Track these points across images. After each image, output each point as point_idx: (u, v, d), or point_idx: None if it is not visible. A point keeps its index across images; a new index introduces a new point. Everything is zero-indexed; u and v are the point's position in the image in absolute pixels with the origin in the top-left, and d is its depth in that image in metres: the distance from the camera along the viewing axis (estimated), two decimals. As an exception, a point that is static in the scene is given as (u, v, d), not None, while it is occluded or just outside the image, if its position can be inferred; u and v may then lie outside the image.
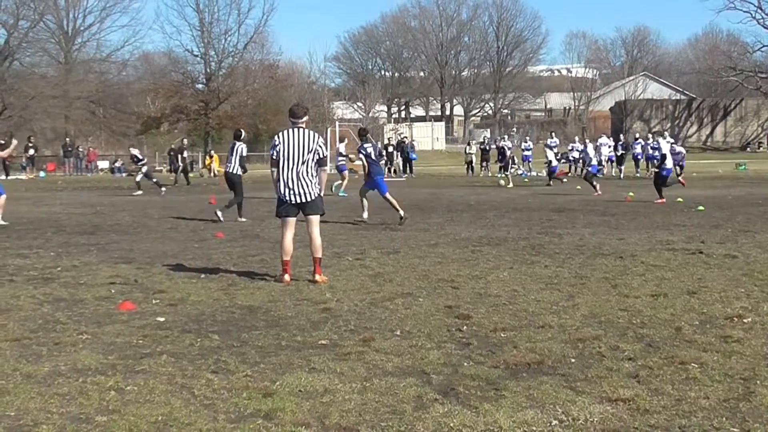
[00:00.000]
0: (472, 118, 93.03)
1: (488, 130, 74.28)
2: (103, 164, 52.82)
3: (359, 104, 79.32)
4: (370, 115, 74.83)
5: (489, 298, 7.59)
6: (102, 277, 8.98)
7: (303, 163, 8.45)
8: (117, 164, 50.04)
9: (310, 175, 8.52)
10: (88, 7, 60.81)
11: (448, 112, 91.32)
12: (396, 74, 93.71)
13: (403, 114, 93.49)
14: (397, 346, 5.81)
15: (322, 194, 8.78)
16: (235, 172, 15.79)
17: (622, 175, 35.05)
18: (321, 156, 8.61)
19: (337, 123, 51.33)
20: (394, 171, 40.51)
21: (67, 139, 50.09)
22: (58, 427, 4.23)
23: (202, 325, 6.57)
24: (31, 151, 43.50)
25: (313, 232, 8.65)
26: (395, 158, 41.32)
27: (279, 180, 8.54)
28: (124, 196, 24.49)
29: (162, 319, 6.78)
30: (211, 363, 5.43)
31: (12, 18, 53.39)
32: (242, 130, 16.61)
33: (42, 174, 43.99)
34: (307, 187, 8.50)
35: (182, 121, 60.65)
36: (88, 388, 4.86)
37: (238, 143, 15.98)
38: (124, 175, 45.34)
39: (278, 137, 8.59)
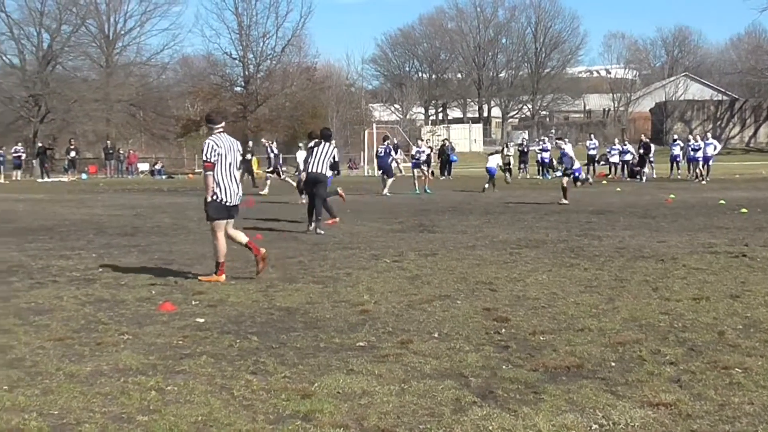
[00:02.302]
0: (510, 119, 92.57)
1: (526, 131, 73.87)
2: (144, 166, 53.49)
3: (396, 106, 79.35)
4: (408, 117, 74.80)
5: (528, 301, 7.54)
6: (142, 278, 9.08)
7: (235, 165, 8.93)
8: (157, 166, 50.60)
9: (238, 177, 9.04)
10: (128, 11, 61.58)
11: (485, 114, 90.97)
12: (433, 76, 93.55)
13: (440, 116, 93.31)
14: (435, 349, 5.79)
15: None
16: (322, 172, 14.20)
17: (645, 178, 33.75)
18: (241, 159, 9.30)
19: (374, 125, 51.42)
20: (432, 173, 40.40)
21: (108, 141, 50.72)
22: (100, 426, 4.29)
23: (241, 327, 6.62)
24: (73, 154, 44.26)
25: (230, 231, 9.08)
26: (432, 161, 41.22)
27: (219, 183, 8.77)
28: (164, 198, 24.74)
29: (202, 320, 6.84)
30: (250, 364, 5.46)
31: (55, 22, 54.26)
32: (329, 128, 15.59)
33: (84, 176, 44.71)
34: (239, 188, 9.00)
35: (221, 123, 61.04)
36: (130, 388, 4.91)
37: (327, 144, 14.33)
38: (164, 177, 45.83)
39: (217, 142, 8.79)
